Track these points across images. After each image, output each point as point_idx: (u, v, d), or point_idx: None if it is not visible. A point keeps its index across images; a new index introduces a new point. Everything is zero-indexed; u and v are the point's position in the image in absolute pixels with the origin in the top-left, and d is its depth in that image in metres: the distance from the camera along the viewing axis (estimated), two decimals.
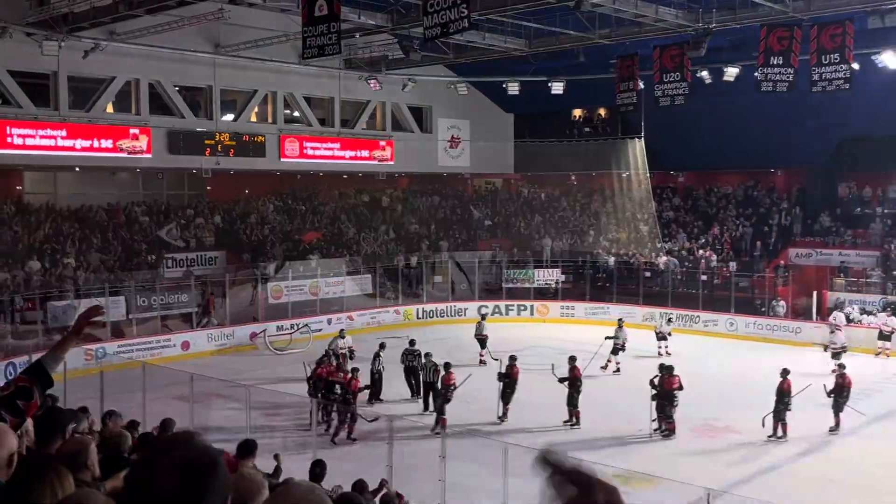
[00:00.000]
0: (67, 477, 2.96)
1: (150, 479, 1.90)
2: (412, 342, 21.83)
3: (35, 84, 27.83)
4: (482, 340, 25.58)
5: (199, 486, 1.89)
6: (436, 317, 32.72)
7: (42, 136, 27.09)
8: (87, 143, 28.01)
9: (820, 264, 31.75)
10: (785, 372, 17.89)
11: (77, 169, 30.16)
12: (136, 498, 1.91)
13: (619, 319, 26.26)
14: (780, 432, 17.53)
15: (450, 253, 35.84)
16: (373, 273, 32.59)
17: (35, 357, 4.40)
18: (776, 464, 16.31)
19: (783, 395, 17.53)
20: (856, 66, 23.18)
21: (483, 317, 27.15)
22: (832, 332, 25.16)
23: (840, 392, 18.15)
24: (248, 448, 8.89)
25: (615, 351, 24.36)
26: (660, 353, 25.62)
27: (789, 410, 17.51)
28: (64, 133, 27.56)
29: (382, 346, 21.24)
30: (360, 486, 9.21)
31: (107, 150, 28.46)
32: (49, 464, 3.03)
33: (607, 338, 24.49)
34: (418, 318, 32.39)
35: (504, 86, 34.58)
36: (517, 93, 34.45)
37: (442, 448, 12.35)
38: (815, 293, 29.29)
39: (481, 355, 24.87)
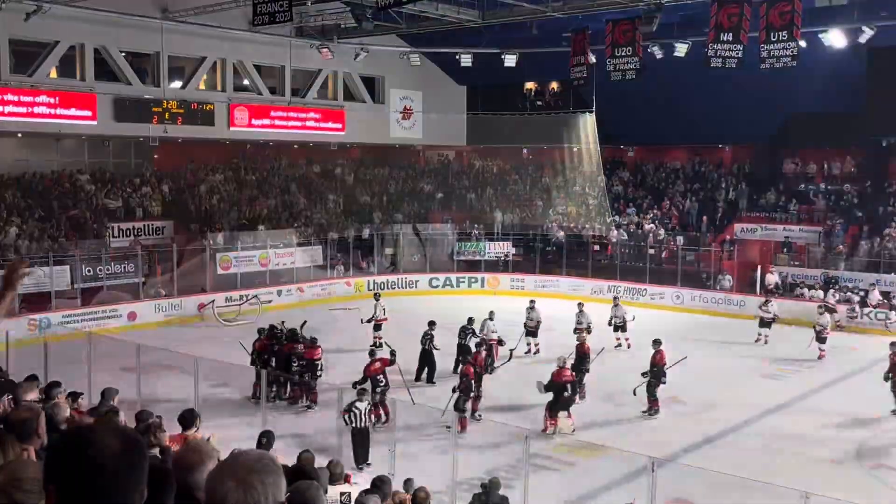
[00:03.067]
0: (13, 442, 2.92)
1: (97, 438, 1.97)
2: (470, 319, 20.97)
3: None
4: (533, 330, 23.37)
5: (139, 453, 1.99)
6: (387, 289, 32.64)
7: None
8: (29, 109, 27.28)
9: (765, 239, 32.38)
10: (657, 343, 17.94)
11: (19, 135, 29.39)
12: (81, 454, 1.95)
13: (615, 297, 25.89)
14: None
15: (411, 224, 35.69)
16: (323, 244, 32.42)
17: None
18: (720, 433, 16.69)
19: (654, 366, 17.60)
20: (803, 43, 23.52)
21: (532, 303, 24.20)
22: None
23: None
24: (187, 418, 9.04)
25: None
26: (618, 345, 23.60)
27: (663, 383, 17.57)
28: (5, 98, 26.79)
29: (432, 323, 20.27)
30: (306, 455, 9.21)
31: (50, 116, 27.77)
32: None
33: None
34: (369, 289, 32.30)
35: (457, 57, 34.46)
36: (470, 65, 34.36)
37: (392, 419, 12.40)
38: (758, 267, 29.91)
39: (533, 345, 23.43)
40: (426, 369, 19.93)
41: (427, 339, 19.99)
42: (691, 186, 36.48)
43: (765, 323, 24.96)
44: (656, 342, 17.95)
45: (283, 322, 20.17)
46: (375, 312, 23.53)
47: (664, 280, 31.06)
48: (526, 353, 22.33)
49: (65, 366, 15.82)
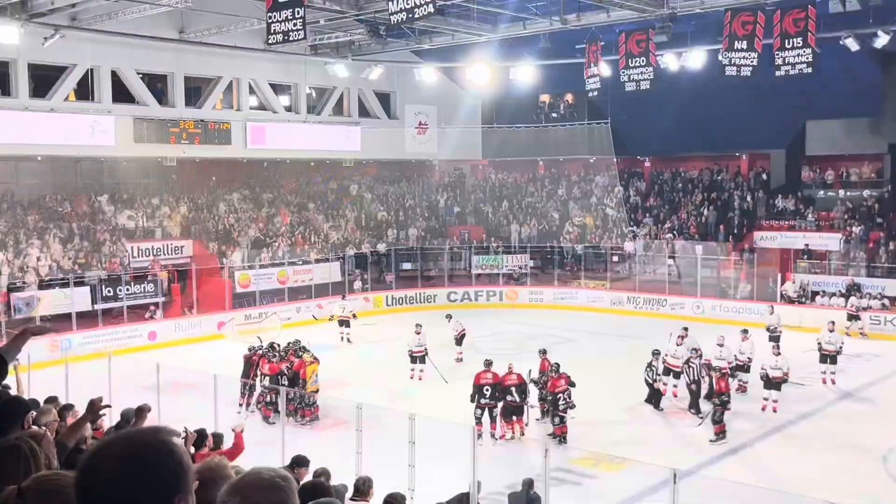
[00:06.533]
0: (39, 457, 2.93)
1: (96, 462, 2.00)
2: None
3: None
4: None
5: (140, 475, 1.97)
6: (405, 304, 32.72)
7: (2, 126, 26.60)
8: (48, 132, 27.56)
9: (784, 247, 32.14)
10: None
11: (39, 158, 29.69)
12: (84, 480, 2.00)
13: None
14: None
15: (418, 239, 35.83)
16: (341, 261, 32.49)
17: None
18: (744, 443, 16.53)
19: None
20: (818, 50, 23.41)
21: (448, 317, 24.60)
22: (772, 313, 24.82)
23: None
24: (197, 440, 9.41)
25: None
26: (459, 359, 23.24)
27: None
28: (24, 122, 27.08)
29: (656, 353, 19.17)
30: (322, 472, 9.18)
31: (68, 139, 28.02)
32: (23, 439, 3.01)
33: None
34: (387, 304, 32.39)
35: (471, 71, 34.51)
36: (484, 78, 34.39)
37: (411, 433, 12.37)
38: (779, 275, 29.71)
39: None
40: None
41: (650, 369, 18.86)
42: (708, 195, 36.30)
43: (827, 356, 20.84)
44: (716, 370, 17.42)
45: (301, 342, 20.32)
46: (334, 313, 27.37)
47: (683, 290, 30.89)
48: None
49: (86, 386, 15.86)
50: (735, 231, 33.74)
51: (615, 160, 37.57)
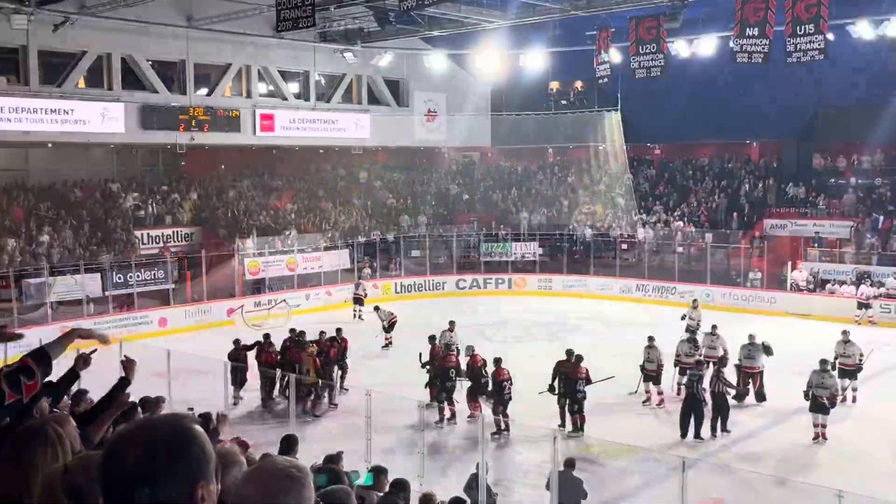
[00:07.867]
0: (65, 441, 2.95)
1: (119, 449, 2.00)
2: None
3: (5, 59, 27.43)
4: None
5: (162, 461, 1.96)
6: (413, 291, 32.76)
7: (13, 113, 26.70)
8: (59, 119, 27.65)
9: (794, 235, 32.01)
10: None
11: (49, 145, 29.77)
12: (107, 466, 2.00)
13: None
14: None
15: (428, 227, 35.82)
16: (350, 248, 32.51)
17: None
18: (752, 432, 16.52)
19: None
20: (830, 36, 23.24)
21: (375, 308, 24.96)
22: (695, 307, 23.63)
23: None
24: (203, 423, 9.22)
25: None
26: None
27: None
28: (35, 109, 27.16)
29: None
30: (331, 459, 9.23)
31: (79, 125, 28.11)
32: (49, 423, 3.03)
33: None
34: (396, 292, 32.42)
35: (480, 58, 34.42)
36: (493, 65, 34.31)
37: (420, 421, 12.42)
38: (788, 263, 29.61)
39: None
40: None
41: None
42: (719, 183, 36.15)
43: (846, 372, 18.43)
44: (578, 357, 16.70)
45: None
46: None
47: (693, 278, 30.81)
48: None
49: (96, 372, 15.96)
50: (745, 219, 33.61)
51: (625, 147, 37.43)
